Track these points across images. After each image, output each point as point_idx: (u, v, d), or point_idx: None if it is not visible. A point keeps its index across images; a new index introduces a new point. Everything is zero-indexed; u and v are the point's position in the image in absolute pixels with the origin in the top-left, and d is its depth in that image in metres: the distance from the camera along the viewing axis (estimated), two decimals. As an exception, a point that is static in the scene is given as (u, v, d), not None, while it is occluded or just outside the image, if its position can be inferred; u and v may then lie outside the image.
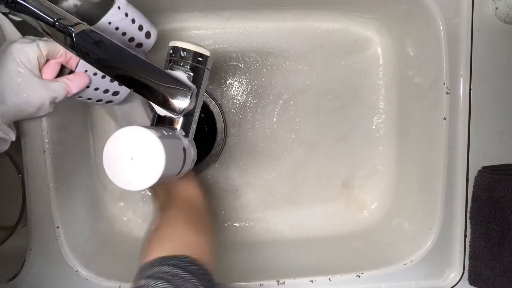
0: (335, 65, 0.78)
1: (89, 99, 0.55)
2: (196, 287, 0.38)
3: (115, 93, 0.56)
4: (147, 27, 0.56)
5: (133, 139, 0.43)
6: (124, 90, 0.57)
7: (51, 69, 0.49)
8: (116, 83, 0.55)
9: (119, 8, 0.51)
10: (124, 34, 0.53)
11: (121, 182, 0.43)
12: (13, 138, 0.49)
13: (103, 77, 0.53)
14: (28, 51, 0.46)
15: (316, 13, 0.75)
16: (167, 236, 0.49)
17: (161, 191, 0.61)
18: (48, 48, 0.48)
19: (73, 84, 0.50)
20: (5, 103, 0.46)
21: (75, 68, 0.51)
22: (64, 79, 0.49)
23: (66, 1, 0.53)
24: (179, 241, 0.47)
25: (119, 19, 0.51)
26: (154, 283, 0.38)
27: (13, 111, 0.47)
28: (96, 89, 0.54)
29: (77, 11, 0.53)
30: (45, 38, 0.49)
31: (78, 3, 0.53)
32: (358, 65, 0.78)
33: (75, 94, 0.51)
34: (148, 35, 0.56)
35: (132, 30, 0.53)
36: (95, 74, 0.52)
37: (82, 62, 0.50)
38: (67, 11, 0.48)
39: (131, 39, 0.55)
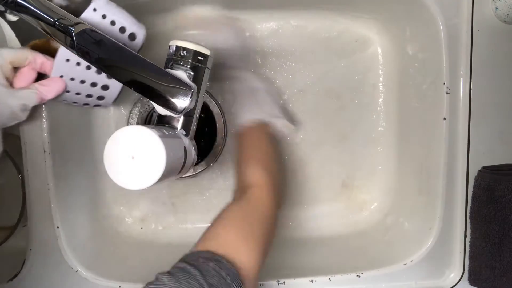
0: (335, 65, 0.78)
1: (75, 102, 0.54)
2: (200, 284, 0.38)
3: (100, 98, 0.55)
4: (131, 28, 0.52)
5: (134, 138, 0.43)
6: (110, 94, 0.55)
7: (23, 77, 0.49)
8: (98, 87, 0.53)
9: (94, 10, 0.49)
10: None
11: (122, 181, 0.43)
12: None
13: (82, 82, 0.51)
14: None
15: (316, 13, 0.76)
16: (214, 233, 0.47)
17: (240, 189, 0.58)
18: (12, 56, 0.47)
19: (47, 89, 0.49)
20: None
21: (50, 74, 0.50)
22: (37, 85, 0.49)
23: (51, 1, 0.52)
24: (220, 239, 0.46)
25: (95, 22, 0.49)
26: (185, 266, 0.39)
27: None
28: (78, 93, 0.53)
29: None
30: (10, 47, 0.49)
31: (64, 3, 0.51)
32: (358, 65, 0.78)
33: (54, 99, 0.50)
34: (132, 36, 0.53)
35: (111, 33, 0.51)
36: (72, 79, 0.51)
37: (56, 67, 0.49)
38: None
39: None
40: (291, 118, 0.75)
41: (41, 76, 0.50)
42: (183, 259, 0.41)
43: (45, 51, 0.52)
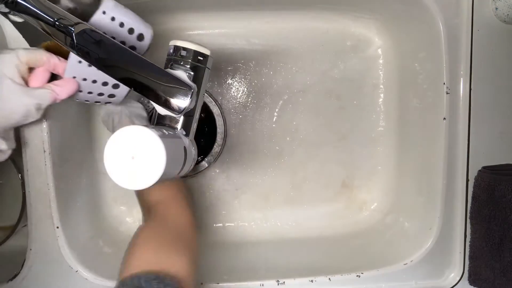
0: (335, 65, 0.78)
1: (87, 101, 0.55)
2: None
3: (111, 96, 0.56)
4: (139, 29, 0.54)
5: (134, 138, 0.43)
6: (120, 92, 0.56)
7: (38, 77, 0.50)
8: (109, 86, 0.54)
9: (104, 13, 0.49)
10: (113, 38, 0.52)
11: (122, 181, 0.43)
12: (7, 147, 0.51)
13: (93, 82, 0.52)
14: (7, 61, 0.47)
15: (316, 13, 0.76)
16: (138, 255, 0.48)
17: (144, 200, 0.59)
18: (28, 57, 0.48)
19: (60, 89, 0.50)
20: None
21: (63, 75, 0.51)
22: (51, 85, 0.50)
23: (59, 3, 0.52)
24: (148, 259, 0.47)
25: (105, 24, 0.50)
26: None
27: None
28: (90, 92, 0.53)
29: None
30: (26, 47, 0.50)
31: (71, 5, 0.52)
32: (358, 65, 0.78)
33: (67, 98, 0.51)
34: (140, 37, 0.55)
35: (121, 34, 0.52)
36: (84, 79, 0.51)
37: (69, 67, 0.50)
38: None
39: (122, 43, 0.53)
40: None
41: (53, 77, 0.51)
42: (125, 285, 0.42)
43: (57, 52, 0.53)
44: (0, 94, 0.47)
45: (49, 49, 0.55)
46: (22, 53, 0.48)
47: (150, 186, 0.43)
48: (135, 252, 0.48)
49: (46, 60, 0.50)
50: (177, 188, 0.59)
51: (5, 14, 0.49)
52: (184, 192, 0.59)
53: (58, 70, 0.51)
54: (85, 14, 0.50)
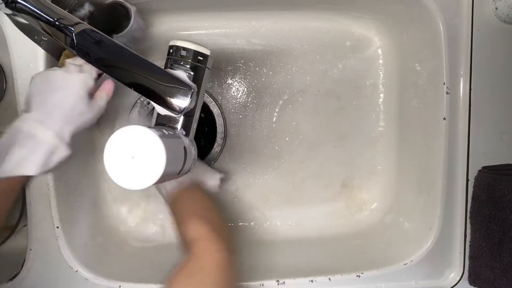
0: (335, 65, 0.78)
1: None
2: None
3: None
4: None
5: (134, 138, 0.43)
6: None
7: (106, 85, 0.55)
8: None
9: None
10: None
11: (122, 181, 0.43)
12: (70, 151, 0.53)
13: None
14: (87, 81, 0.52)
15: (316, 13, 0.76)
16: None
17: (182, 235, 0.57)
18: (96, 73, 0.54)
19: (106, 93, 0.55)
20: (75, 123, 0.53)
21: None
22: (100, 93, 0.55)
23: (83, 8, 0.55)
24: None
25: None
26: None
27: (77, 129, 0.54)
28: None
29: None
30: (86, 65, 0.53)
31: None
32: (358, 65, 0.78)
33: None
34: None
35: None
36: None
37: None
38: (82, 18, 0.51)
39: None
40: (216, 170, 0.72)
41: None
42: None
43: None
44: (82, 108, 0.52)
45: (68, 55, 0.57)
46: (92, 72, 0.53)
47: (150, 186, 0.43)
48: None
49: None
50: (220, 224, 0.59)
51: (9, 16, 0.49)
52: (221, 226, 0.58)
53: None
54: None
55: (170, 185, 0.63)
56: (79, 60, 0.52)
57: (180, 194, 0.62)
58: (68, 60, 0.53)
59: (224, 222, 0.61)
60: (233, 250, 0.55)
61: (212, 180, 0.69)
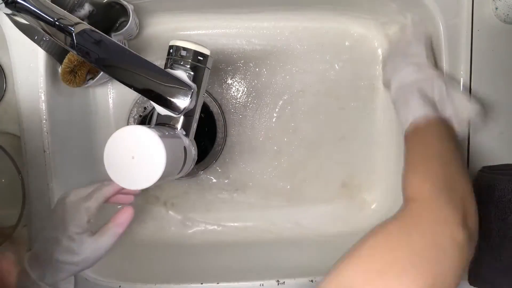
0: (335, 65, 0.78)
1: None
2: None
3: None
4: None
5: (134, 138, 0.43)
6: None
7: (124, 218, 0.51)
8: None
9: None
10: None
11: (122, 181, 0.43)
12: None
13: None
14: (77, 219, 0.48)
15: (316, 13, 0.76)
16: (358, 262, 0.36)
17: (404, 186, 0.45)
18: (96, 205, 0.50)
19: (120, 226, 0.51)
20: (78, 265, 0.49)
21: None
22: (112, 225, 0.50)
23: (83, 9, 0.55)
24: (367, 278, 0.33)
25: None
26: None
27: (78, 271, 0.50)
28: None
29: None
30: (81, 188, 0.51)
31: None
32: (358, 65, 0.78)
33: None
34: None
35: None
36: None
37: None
38: (82, 18, 0.51)
39: None
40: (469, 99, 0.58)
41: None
42: None
43: (81, 63, 0.56)
44: (78, 251, 0.48)
45: (71, 60, 0.57)
46: (91, 205, 0.49)
47: (153, 184, 0.43)
48: (354, 258, 0.36)
49: (111, 190, 0.51)
50: (458, 189, 0.42)
51: (9, 16, 0.49)
52: (464, 191, 0.42)
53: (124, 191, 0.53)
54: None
55: (415, 110, 0.50)
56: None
57: (420, 128, 0.50)
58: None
59: (471, 190, 0.44)
60: (473, 235, 0.40)
61: (464, 111, 0.52)
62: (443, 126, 0.50)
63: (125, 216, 0.51)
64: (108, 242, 0.50)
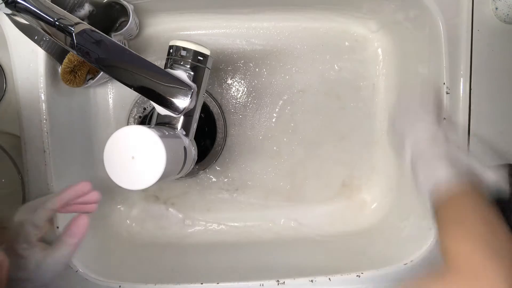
0: (335, 65, 0.78)
1: None
2: None
3: None
4: None
5: (134, 138, 0.43)
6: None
7: (77, 226, 0.47)
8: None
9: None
10: None
11: (122, 181, 0.43)
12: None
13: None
14: (23, 235, 0.45)
15: (316, 13, 0.76)
16: None
17: (443, 241, 0.43)
18: (44, 218, 0.47)
19: (74, 236, 0.47)
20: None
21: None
22: (65, 237, 0.47)
23: (83, 9, 0.55)
24: None
25: None
26: None
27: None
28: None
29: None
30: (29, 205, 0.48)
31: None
32: (358, 65, 0.78)
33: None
34: None
35: None
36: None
37: None
38: (82, 18, 0.51)
39: None
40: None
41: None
42: None
43: (80, 62, 0.55)
44: (28, 267, 0.45)
45: (71, 60, 0.57)
46: (38, 219, 0.46)
47: (153, 184, 0.43)
48: None
49: (57, 202, 0.48)
50: (500, 246, 0.40)
51: (9, 16, 0.49)
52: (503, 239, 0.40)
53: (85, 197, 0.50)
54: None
55: (444, 182, 0.47)
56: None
57: (451, 200, 0.47)
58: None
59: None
60: None
61: (489, 173, 0.49)
62: (478, 193, 0.47)
63: (78, 225, 0.48)
64: (64, 254, 0.47)
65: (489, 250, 0.38)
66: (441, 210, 0.47)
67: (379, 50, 0.78)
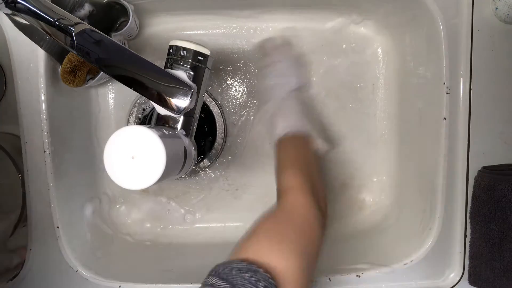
0: (335, 65, 0.78)
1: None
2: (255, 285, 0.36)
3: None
4: None
5: (134, 138, 0.43)
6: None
7: None
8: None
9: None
10: None
11: (122, 181, 0.43)
12: None
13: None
14: None
15: (316, 13, 0.76)
16: (245, 240, 0.45)
17: (277, 184, 0.56)
18: None
19: None
20: None
21: None
22: None
23: (83, 9, 0.55)
24: (253, 247, 0.43)
25: None
26: (216, 281, 0.37)
27: None
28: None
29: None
30: None
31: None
32: (358, 65, 0.78)
33: None
34: None
35: None
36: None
37: None
38: (82, 18, 0.51)
39: None
40: (327, 139, 0.74)
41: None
42: (216, 271, 0.39)
43: (81, 63, 0.56)
44: None
45: (71, 60, 0.57)
46: None
47: (153, 184, 0.43)
48: (250, 237, 0.45)
49: None
50: (318, 182, 0.56)
51: (9, 16, 0.49)
52: (319, 185, 0.56)
53: None
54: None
55: (282, 126, 0.63)
56: None
57: (289, 139, 0.63)
58: None
59: (323, 184, 0.59)
60: (325, 214, 0.54)
61: (322, 143, 0.68)
62: (309, 141, 0.66)
63: None
64: None
65: (307, 180, 0.53)
66: (278, 147, 0.62)
67: (379, 50, 0.78)
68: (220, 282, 0.37)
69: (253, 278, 0.37)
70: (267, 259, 0.41)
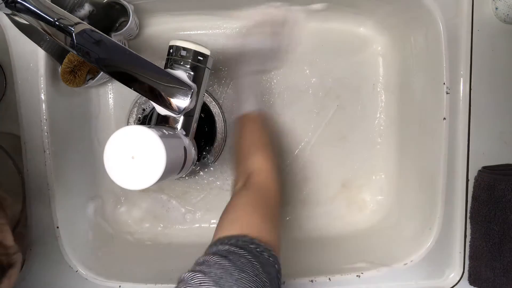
0: (335, 65, 0.78)
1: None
2: (249, 261, 0.39)
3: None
4: None
5: (134, 138, 0.43)
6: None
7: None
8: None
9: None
10: None
11: (122, 181, 0.43)
12: None
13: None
14: None
15: (316, 13, 0.75)
16: (234, 218, 0.50)
17: (241, 176, 0.61)
18: None
19: None
20: None
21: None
22: None
23: (83, 9, 0.55)
24: (244, 223, 0.48)
25: None
26: (211, 257, 0.40)
27: None
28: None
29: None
30: None
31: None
32: (358, 65, 0.78)
33: None
34: None
35: None
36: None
37: None
38: (82, 18, 0.51)
39: None
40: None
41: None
42: (224, 243, 0.42)
43: (80, 62, 0.56)
44: None
45: (71, 60, 0.57)
46: None
47: (153, 184, 0.43)
48: (230, 215, 0.50)
49: None
50: (275, 161, 0.62)
51: (9, 16, 0.49)
52: (274, 160, 0.62)
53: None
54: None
55: (247, 104, 0.69)
56: None
57: (253, 118, 0.68)
58: None
59: (275, 156, 0.65)
60: (280, 187, 0.61)
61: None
62: (262, 119, 0.70)
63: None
64: None
65: (266, 156, 0.61)
66: (240, 125, 0.68)
67: (379, 50, 0.78)
68: (238, 250, 0.41)
69: (257, 249, 0.42)
70: (261, 234, 0.46)
